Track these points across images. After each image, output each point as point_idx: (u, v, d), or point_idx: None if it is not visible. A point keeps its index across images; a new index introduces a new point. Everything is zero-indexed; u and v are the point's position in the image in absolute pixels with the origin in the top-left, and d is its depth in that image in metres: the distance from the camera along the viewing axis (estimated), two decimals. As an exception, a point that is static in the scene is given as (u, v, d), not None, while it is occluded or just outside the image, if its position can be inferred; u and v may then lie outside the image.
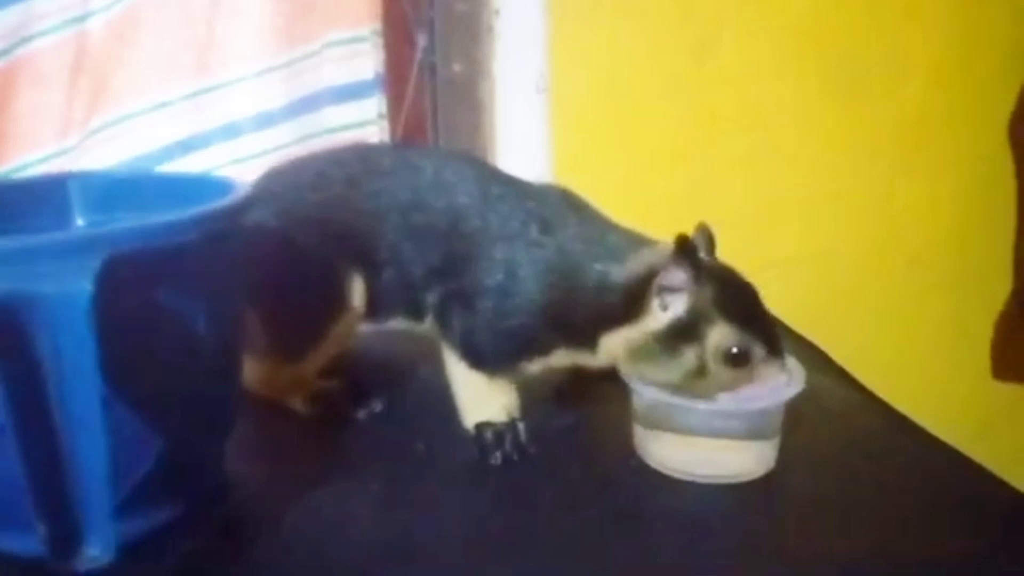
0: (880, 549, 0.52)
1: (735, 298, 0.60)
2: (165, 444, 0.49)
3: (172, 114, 1.00)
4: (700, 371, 0.59)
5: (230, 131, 1.02)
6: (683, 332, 0.59)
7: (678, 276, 0.59)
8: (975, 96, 1.25)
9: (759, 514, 0.57)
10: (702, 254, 0.62)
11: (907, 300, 1.29)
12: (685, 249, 0.58)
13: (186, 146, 1.01)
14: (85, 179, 0.62)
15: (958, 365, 1.35)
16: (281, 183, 0.71)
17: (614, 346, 0.62)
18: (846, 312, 1.22)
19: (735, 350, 0.58)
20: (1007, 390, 1.38)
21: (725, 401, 0.59)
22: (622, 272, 0.62)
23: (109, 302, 0.42)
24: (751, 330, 0.59)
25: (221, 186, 0.55)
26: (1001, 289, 1.35)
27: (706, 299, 0.59)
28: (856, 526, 0.55)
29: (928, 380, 1.23)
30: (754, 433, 0.61)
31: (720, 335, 0.58)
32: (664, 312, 0.60)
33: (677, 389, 0.60)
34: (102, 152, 1.00)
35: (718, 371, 0.59)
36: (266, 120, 1.01)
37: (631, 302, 0.61)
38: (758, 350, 0.59)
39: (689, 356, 0.59)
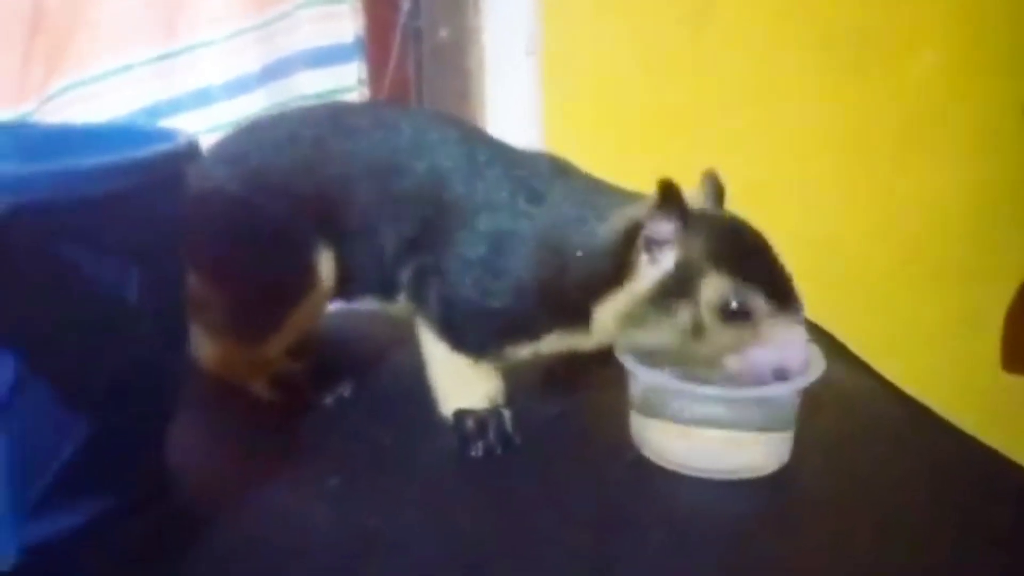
0: (899, 551, 0.48)
1: (734, 247, 0.54)
2: (90, 429, 0.43)
3: (137, 78, 0.96)
4: (696, 330, 0.53)
5: (200, 98, 0.97)
6: (675, 288, 0.54)
7: (664, 226, 0.53)
8: (985, 73, 1.20)
9: (770, 515, 0.53)
10: (709, 203, 0.56)
11: (913, 289, 1.25)
12: (669, 195, 0.52)
13: (152, 113, 0.98)
14: (14, 131, 0.55)
15: (966, 356, 1.31)
16: (248, 143, 0.66)
17: (608, 318, 0.57)
18: (848, 300, 1.17)
19: (733, 304, 0.52)
20: (1017, 382, 1.33)
21: (731, 383, 0.54)
22: (607, 230, 0.56)
23: (6, 260, 0.35)
24: (752, 281, 0.53)
25: (167, 138, 0.48)
26: (1012, 277, 1.30)
27: (698, 249, 0.53)
28: (875, 527, 0.51)
29: (934, 372, 1.18)
30: (767, 424, 0.55)
31: (713, 288, 0.53)
32: (654, 268, 0.54)
33: (676, 356, 0.54)
34: (61, 118, 0.95)
35: (716, 329, 0.53)
36: (238, 86, 0.97)
37: (619, 262, 0.55)
38: (760, 303, 0.52)
39: (683, 314, 0.53)
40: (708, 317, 0.53)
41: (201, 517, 0.50)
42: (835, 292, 1.14)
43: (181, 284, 0.50)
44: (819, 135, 1.13)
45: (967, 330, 1.30)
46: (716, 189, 0.58)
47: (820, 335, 0.77)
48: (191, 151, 0.45)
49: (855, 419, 0.64)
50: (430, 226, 0.60)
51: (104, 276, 0.41)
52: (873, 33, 1.12)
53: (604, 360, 0.58)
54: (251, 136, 0.66)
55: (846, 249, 1.19)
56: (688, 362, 0.54)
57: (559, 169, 0.62)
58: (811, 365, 0.55)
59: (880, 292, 1.22)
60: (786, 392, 0.54)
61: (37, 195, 0.37)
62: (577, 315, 0.58)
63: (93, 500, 0.46)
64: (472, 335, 0.59)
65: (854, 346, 0.76)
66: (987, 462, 0.58)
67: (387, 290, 0.63)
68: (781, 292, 0.53)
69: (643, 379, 0.56)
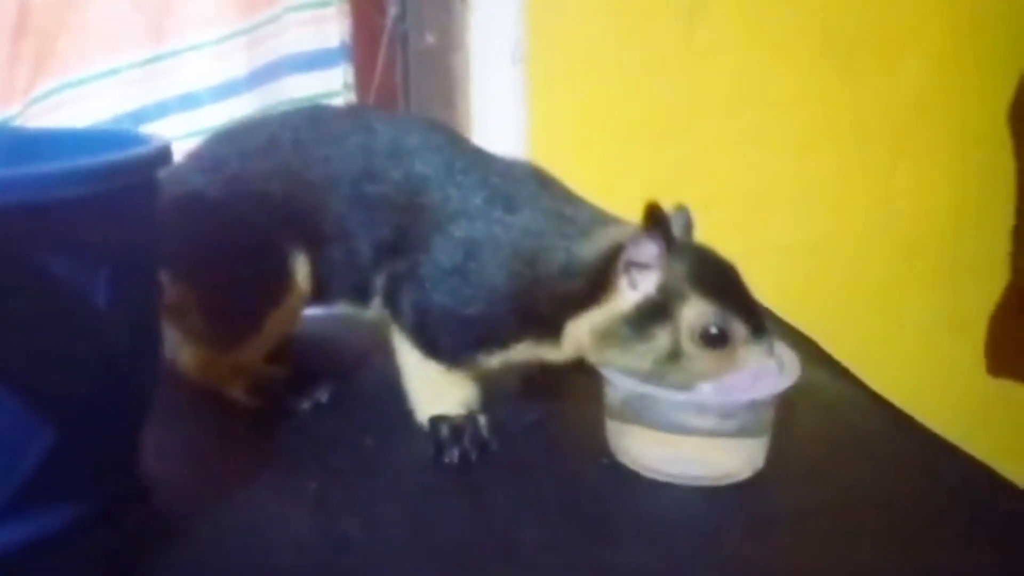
0: (876, 559, 0.48)
1: (712, 274, 0.55)
2: (57, 436, 0.43)
3: (123, 82, 0.96)
4: (674, 355, 0.53)
5: (186, 101, 0.97)
6: (654, 312, 0.54)
7: (648, 250, 0.53)
8: (975, 77, 1.20)
9: (745, 520, 0.53)
10: (680, 235, 0.56)
11: (902, 291, 1.25)
12: (655, 219, 0.52)
13: (139, 116, 0.98)
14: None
15: (952, 359, 1.31)
16: (228, 147, 0.65)
17: (580, 334, 0.56)
18: (838, 302, 1.18)
19: (713, 329, 0.53)
20: (1002, 386, 1.34)
21: (709, 393, 0.53)
22: (588, 249, 0.56)
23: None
24: (730, 307, 0.53)
25: (140, 142, 0.48)
26: (998, 281, 1.30)
27: (679, 275, 0.54)
28: (850, 533, 0.50)
29: (921, 374, 1.19)
30: (742, 430, 0.55)
31: (695, 312, 0.53)
32: (633, 291, 0.54)
33: (649, 378, 0.54)
34: (47, 121, 0.96)
35: (694, 354, 0.53)
36: (225, 90, 0.97)
37: (597, 282, 0.55)
38: (739, 329, 0.53)
39: (662, 338, 0.53)
40: (687, 341, 0.53)
41: (178, 524, 0.50)
42: (824, 294, 1.15)
43: (153, 288, 0.49)
44: (811, 138, 1.13)
45: (953, 333, 1.30)
46: (687, 224, 0.58)
47: (801, 340, 0.77)
48: (161, 156, 0.45)
49: (834, 425, 0.64)
50: (406, 232, 0.60)
51: (73, 280, 0.41)
52: (866, 35, 1.12)
53: (582, 368, 0.58)
54: (232, 142, 0.66)
55: (836, 252, 1.19)
56: (659, 384, 0.54)
57: (537, 178, 0.62)
58: (788, 370, 0.55)
59: (869, 294, 1.22)
60: (764, 398, 0.54)
61: (2, 199, 0.37)
62: (548, 327, 0.57)
63: (63, 507, 0.45)
64: (445, 342, 0.59)
65: (840, 348, 0.76)
66: (965, 468, 0.57)
67: (362, 295, 0.63)
68: (755, 320, 0.54)
69: (620, 386, 0.55)
